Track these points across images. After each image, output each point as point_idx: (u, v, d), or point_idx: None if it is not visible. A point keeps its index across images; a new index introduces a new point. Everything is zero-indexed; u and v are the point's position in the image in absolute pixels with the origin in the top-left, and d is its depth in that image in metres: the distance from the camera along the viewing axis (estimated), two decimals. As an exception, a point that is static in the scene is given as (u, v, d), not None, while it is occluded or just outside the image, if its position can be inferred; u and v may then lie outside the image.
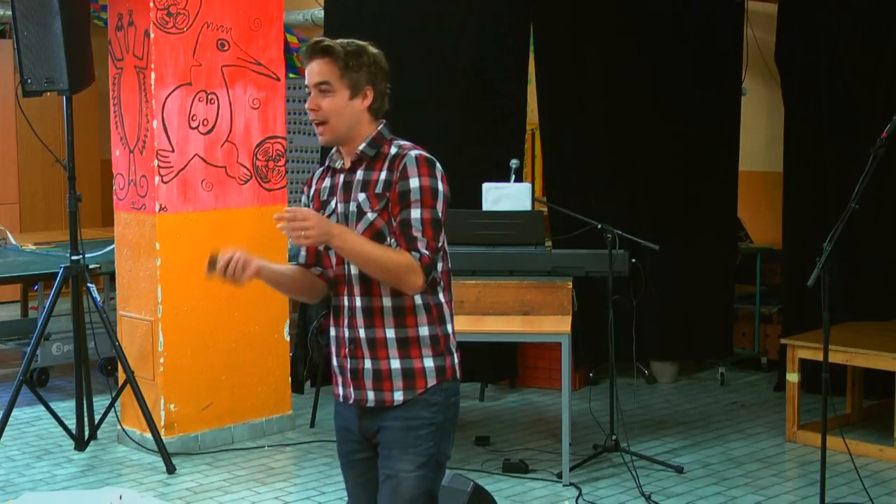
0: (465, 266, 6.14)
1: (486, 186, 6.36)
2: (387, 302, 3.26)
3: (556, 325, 5.84)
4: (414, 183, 3.20)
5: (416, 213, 3.19)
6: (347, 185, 3.30)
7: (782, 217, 7.54)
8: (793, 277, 7.30)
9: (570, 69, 7.63)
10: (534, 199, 6.66)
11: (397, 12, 7.10)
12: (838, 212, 5.03)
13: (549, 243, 6.91)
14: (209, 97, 6.34)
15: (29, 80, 6.01)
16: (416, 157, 3.23)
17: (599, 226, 5.99)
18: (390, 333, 3.27)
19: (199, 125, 6.32)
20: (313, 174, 3.49)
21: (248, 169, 6.52)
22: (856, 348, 6.18)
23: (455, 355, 3.37)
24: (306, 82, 3.29)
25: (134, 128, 6.31)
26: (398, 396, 3.28)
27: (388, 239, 3.23)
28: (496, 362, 7.56)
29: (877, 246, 7.07)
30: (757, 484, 5.79)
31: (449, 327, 3.35)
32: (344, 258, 3.29)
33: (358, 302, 3.28)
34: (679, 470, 5.97)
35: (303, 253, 3.44)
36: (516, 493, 5.66)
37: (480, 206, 6.34)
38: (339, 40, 3.29)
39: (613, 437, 6.03)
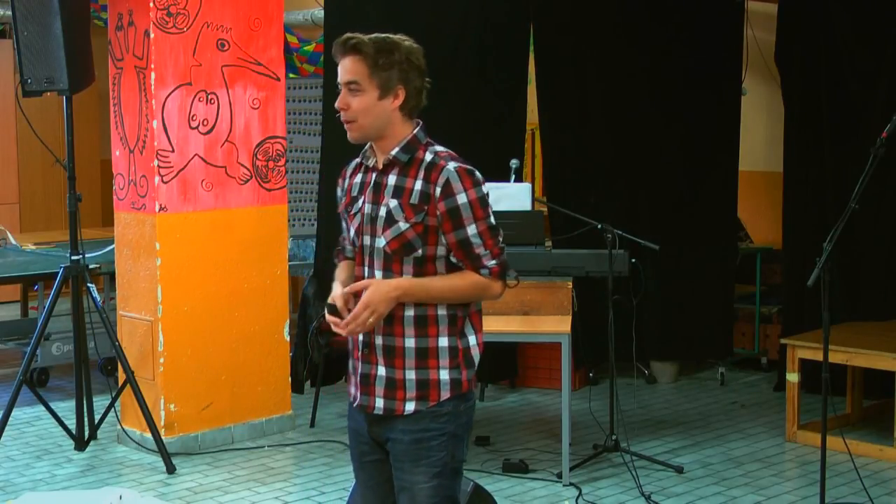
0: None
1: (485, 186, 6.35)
2: (409, 311, 3.20)
3: (556, 325, 5.84)
4: (462, 199, 3.15)
5: (472, 230, 3.16)
6: (377, 187, 3.24)
7: (782, 217, 7.54)
8: (793, 277, 7.30)
9: (570, 69, 7.63)
10: (534, 199, 6.66)
11: (397, 12, 7.09)
12: (838, 212, 5.03)
13: (549, 243, 6.91)
14: (209, 97, 6.34)
15: (29, 80, 6.01)
16: (457, 171, 3.17)
17: (599, 226, 5.99)
18: (410, 343, 3.20)
19: (199, 125, 6.32)
20: (347, 166, 3.43)
21: (248, 169, 6.52)
22: (856, 348, 6.18)
23: (472, 370, 3.29)
24: (338, 79, 3.22)
25: (134, 128, 6.31)
26: (410, 407, 3.22)
27: (419, 249, 3.18)
28: (496, 362, 7.55)
29: (877, 246, 7.07)
30: (757, 484, 5.79)
31: (471, 339, 3.27)
32: (364, 261, 3.26)
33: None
34: (679, 470, 5.97)
35: (348, 247, 3.40)
36: (516, 493, 5.66)
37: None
38: (372, 35, 3.22)
39: (613, 437, 6.03)
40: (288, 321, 6.75)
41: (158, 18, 6.12)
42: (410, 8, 7.16)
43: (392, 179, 3.22)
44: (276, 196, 6.65)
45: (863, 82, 7.06)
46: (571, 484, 5.72)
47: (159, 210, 6.20)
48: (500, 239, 3.22)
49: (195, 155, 6.31)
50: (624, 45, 7.64)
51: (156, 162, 6.18)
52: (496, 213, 6.53)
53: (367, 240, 3.24)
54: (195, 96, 6.29)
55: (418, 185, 3.18)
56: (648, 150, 7.70)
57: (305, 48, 8.03)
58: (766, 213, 8.36)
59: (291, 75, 8.20)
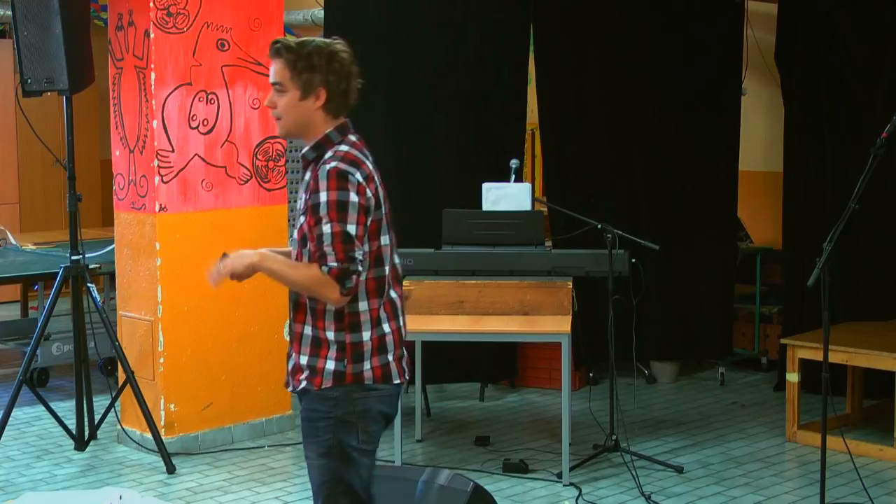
0: (465, 266, 6.13)
1: (486, 186, 6.36)
2: (308, 301, 3.46)
3: (556, 325, 5.84)
4: (322, 197, 3.33)
5: (325, 229, 3.32)
6: (304, 184, 3.50)
7: (782, 217, 7.54)
8: (793, 277, 7.30)
9: (570, 69, 7.63)
10: (534, 199, 6.66)
11: (397, 12, 7.10)
12: (838, 212, 5.03)
13: (549, 243, 6.90)
14: (209, 97, 6.34)
15: (29, 80, 6.01)
16: (328, 171, 3.34)
17: (599, 226, 5.99)
18: (307, 330, 3.47)
19: (199, 125, 6.32)
20: None
21: (247, 169, 6.52)
22: (856, 348, 6.18)
23: (367, 362, 3.44)
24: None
25: (134, 128, 6.31)
26: (302, 385, 3.47)
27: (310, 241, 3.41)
28: (496, 362, 7.56)
29: (877, 246, 7.07)
30: (757, 484, 5.79)
31: (365, 335, 3.44)
32: None
33: (292, 296, 3.53)
34: (679, 470, 5.97)
35: None
36: (516, 493, 5.66)
37: (480, 206, 6.34)
38: (298, 40, 3.48)
39: (613, 437, 6.03)
40: (288, 321, 6.74)
41: (158, 18, 6.13)
42: (410, 8, 7.17)
43: (307, 176, 3.48)
44: (276, 196, 6.65)
45: (863, 82, 7.06)
46: (571, 484, 5.72)
47: (159, 210, 6.20)
48: (353, 250, 3.33)
49: (195, 155, 6.31)
50: (624, 45, 7.64)
51: (156, 162, 6.18)
52: (496, 213, 6.58)
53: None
54: (195, 96, 6.28)
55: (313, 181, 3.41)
56: (648, 150, 7.70)
57: (305, 48, 8.02)
58: (766, 213, 8.36)
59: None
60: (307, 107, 3.43)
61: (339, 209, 3.32)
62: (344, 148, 3.43)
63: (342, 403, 3.41)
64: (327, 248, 3.31)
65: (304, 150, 3.48)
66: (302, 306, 3.47)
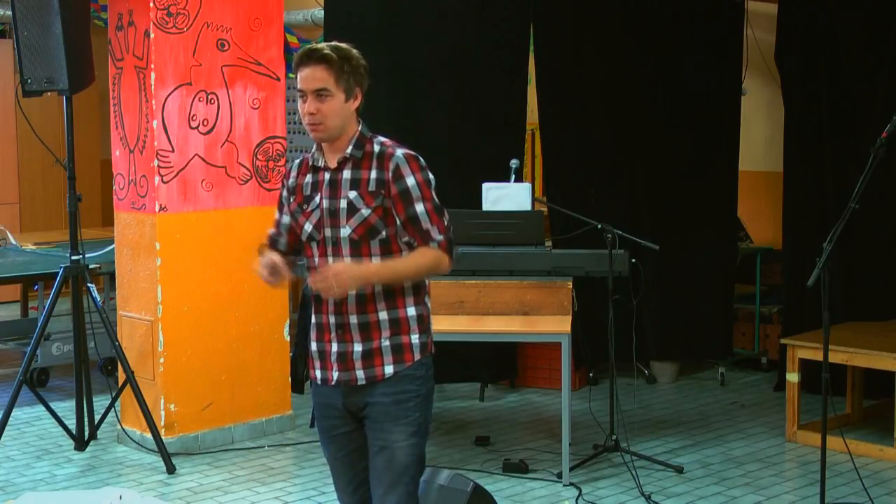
0: (465, 266, 6.13)
1: (486, 186, 6.36)
2: (378, 287, 3.53)
3: (556, 325, 5.85)
4: (410, 181, 3.50)
5: (420, 208, 3.50)
6: (334, 183, 3.55)
7: (782, 217, 7.54)
8: (793, 277, 7.30)
9: (570, 69, 7.63)
10: (534, 199, 6.66)
11: (397, 12, 7.10)
12: (838, 212, 5.03)
13: (549, 243, 6.90)
14: (209, 97, 6.34)
15: (29, 80, 6.01)
16: (405, 157, 3.52)
17: (599, 226, 5.99)
18: (383, 315, 3.54)
19: (199, 125, 6.32)
20: (290, 167, 3.74)
21: (248, 169, 6.52)
22: (856, 348, 6.18)
23: (430, 331, 3.66)
24: (300, 87, 3.52)
25: (134, 128, 6.31)
26: (388, 370, 3.55)
27: (382, 232, 3.50)
28: (496, 362, 7.56)
29: (877, 246, 7.07)
30: (757, 484, 5.80)
31: (429, 305, 3.67)
32: (326, 251, 3.55)
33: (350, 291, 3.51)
34: (679, 470, 5.97)
35: (283, 241, 3.74)
36: (516, 493, 5.66)
37: (480, 206, 6.34)
38: (327, 44, 3.56)
39: (613, 437, 6.03)
40: (288, 321, 6.75)
41: (158, 18, 6.13)
42: (410, 8, 7.17)
43: (347, 174, 3.54)
44: (276, 196, 6.62)
45: (863, 82, 7.06)
46: (571, 484, 5.72)
47: (159, 210, 6.20)
48: (446, 218, 3.57)
49: (195, 155, 6.31)
50: (624, 45, 7.64)
51: (156, 162, 6.18)
52: (496, 213, 6.60)
53: (328, 232, 3.55)
54: (195, 96, 6.29)
55: (373, 174, 3.52)
56: (648, 150, 7.70)
57: (305, 48, 8.02)
58: (766, 213, 8.36)
59: (291, 75, 8.19)
60: (349, 108, 3.53)
61: (428, 187, 3.53)
62: (382, 138, 3.60)
63: (425, 381, 3.59)
64: (428, 226, 3.51)
65: (349, 151, 3.53)
66: (369, 297, 3.50)
